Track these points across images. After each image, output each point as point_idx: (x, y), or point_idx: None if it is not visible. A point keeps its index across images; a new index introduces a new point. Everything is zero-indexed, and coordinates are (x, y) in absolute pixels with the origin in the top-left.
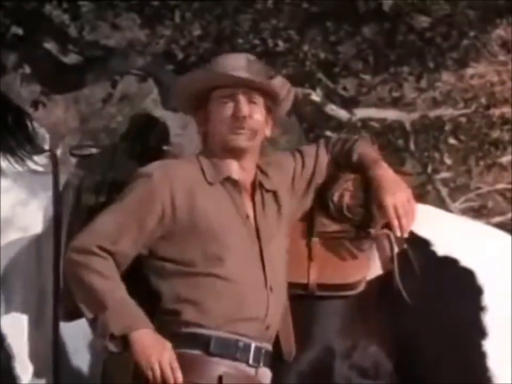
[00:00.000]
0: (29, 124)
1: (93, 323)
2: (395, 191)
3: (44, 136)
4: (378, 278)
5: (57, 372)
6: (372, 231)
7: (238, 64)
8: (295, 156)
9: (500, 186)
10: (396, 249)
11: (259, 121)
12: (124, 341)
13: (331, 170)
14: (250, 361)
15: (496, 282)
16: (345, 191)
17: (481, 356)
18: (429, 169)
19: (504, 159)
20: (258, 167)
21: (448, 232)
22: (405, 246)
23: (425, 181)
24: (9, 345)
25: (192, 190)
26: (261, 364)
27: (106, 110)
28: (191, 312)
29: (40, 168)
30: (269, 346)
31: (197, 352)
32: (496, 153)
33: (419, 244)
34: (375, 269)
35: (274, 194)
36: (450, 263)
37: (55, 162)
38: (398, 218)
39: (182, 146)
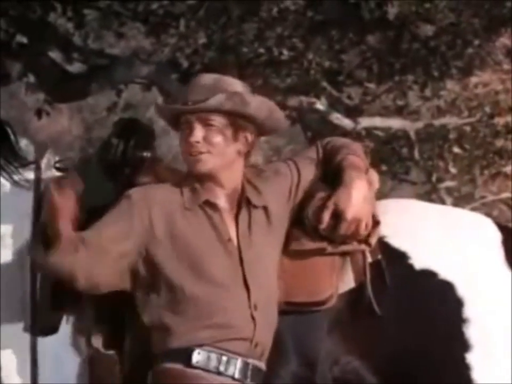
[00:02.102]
0: (13, 137)
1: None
2: (361, 203)
3: (28, 148)
4: (353, 291)
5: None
6: (348, 247)
7: (197, 88)
8: (289, 166)
9: (505, 195)
10: (369, 260)
11: (217, 142)
12: None
13: (320, 169)
14: (236, 375)
15: (477, 293)
16: (320, 209)
17: (466, 369)
18: (434, 178)
19: (509, 168)
20: (249, 182)
21: (426, 244)
22: (379, 256)
23: (430, 190)
24: None
25: (171, 215)
26: (248, 380)
27: (110, 119)
28: (176, 338)
29: (24, 183)
30: (258, 363)
31: (178, 366)
32: (501, 162)
33: (396, 257)
34: (347, 282)
35: (265, 209)
36: (428, 275)
37: (38, 175)
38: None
39: None
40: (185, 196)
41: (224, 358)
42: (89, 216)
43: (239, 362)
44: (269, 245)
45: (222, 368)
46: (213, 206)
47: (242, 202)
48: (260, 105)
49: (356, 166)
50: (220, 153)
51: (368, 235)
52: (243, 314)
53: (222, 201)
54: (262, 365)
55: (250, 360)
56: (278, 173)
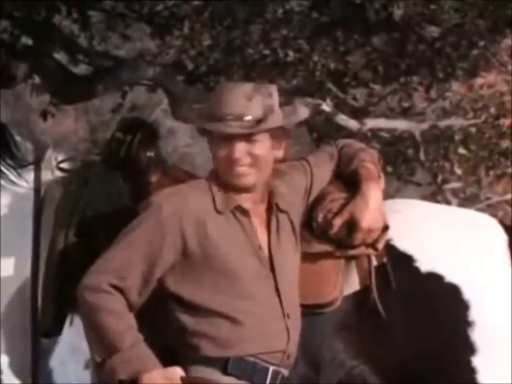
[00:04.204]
0: (9, 138)
1: (99, 365)
2: (376, 214)
3: (27, 149)
4: (359, 294)
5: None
6: (356, 251)
7: (236, 104)
8: (305, 168)
9: (510, 196)
10: (375, 263)
11: (261, 156)
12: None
13: (334, 173)
14: None
15: (483, 296)
16: (330, 212)
17: (471, 372)
18: (439, 180)
19: None
20: (274, 186)
21: (431, 247)
22: (385, 260)
23: (435, 191)
24: None
25: (203, 222)
26: None
27: (116, 121)
28: (211, 348)
29: (24, 183)
30: (286, 372)
31: (214, 371)
32: (506, 163)
33: (402, 260)
34: (352, 284)
35: (287, 213)
36: (434, 278)
37: (38, 176)
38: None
39: (192, 156)
40: (217, 199)
41: (258, 366)
42: (94, 222)
43: (270, 371)
44: (292, 248)
45: (255, 377)
46: (245, 211)
47: (272, 207)
48: (304, 110)
49: (372, 175)
50: (262, 165)
51: (376, 240)
52: (278, 326)
53: (252, 206)
54: (287, 373)
55: (280, 369)
56: (295, 175)
